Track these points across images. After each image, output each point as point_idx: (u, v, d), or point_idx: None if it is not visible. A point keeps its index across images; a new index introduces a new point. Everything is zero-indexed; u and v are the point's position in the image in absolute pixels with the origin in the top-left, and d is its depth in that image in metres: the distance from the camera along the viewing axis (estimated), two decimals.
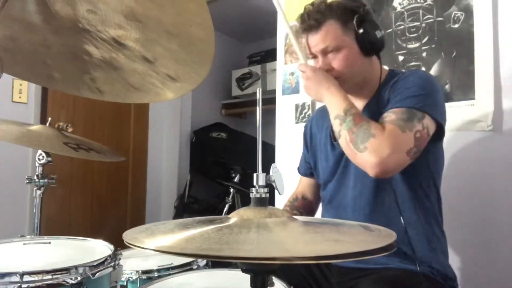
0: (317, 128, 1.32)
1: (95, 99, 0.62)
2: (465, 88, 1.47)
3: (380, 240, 0.54)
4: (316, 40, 1.12)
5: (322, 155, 1.26)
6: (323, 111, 1.31)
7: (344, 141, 1.02)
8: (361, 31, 1.09)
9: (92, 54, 0.56)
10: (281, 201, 1.46)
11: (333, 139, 1.21)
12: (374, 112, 1.10)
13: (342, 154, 1.13)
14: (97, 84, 0.55)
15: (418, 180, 1.09)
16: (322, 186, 1.27)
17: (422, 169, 1.09)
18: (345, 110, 1.04)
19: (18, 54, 0.50)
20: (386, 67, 1.22)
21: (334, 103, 1.07)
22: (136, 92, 0.64)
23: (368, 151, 0.96)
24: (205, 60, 0.64)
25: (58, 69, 0.52)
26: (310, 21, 1.11)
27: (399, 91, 1.06)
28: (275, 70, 2.23)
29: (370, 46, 1.12)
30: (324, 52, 1.12)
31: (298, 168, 1.43)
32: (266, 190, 0.62)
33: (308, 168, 1.36)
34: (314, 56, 1.16)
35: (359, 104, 1.17)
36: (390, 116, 1.01)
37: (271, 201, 0.64)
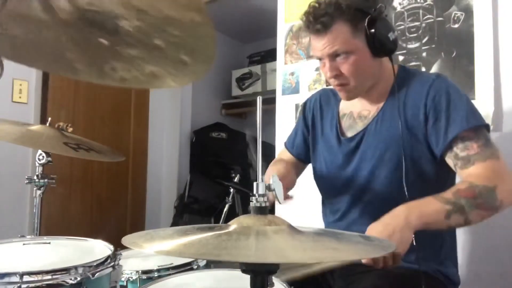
0: (319, 114, 1.27)
1: (117, 86, 0.61)
2: (465, 88, 1.46)
3: (379, 250, 0.54)
4: (323, 44, 1.03)
5: (325, 147, 1.22)
6: (329, 96, 1.28)
7: (479, 218, 0.93)
8: (372, 33, 1.01)
9: (107, 44, 0.56)
10: (281, 209, 1.45)
11: (341, 134, 1.17)
12: (392, 114, 1.07)
13: (351, 152, 1.12)
14: (118, 73, 0.55)
15: (440, 188, 1.06)
16: (323, 176, 1.22)
17: (445, 178, 1.08)
18: (448, 202, 0.91)
19: (37, 48, 0.50)
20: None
21: (431, 213, 0.91)
22: (153, 78, 0.64)
23: (505, 201, 0.92)
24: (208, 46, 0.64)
25: (79, 60, 0.53)
26: (316, 25, 1.02)
27: (443, 114, 1.00)
28: (275, 70, 2.23)
29: (382, 49, 1.04)
30: (332, 56, 1.04)
31: (287, 144, 1.37)
32: (265, 199, 0.61)
33: (303, 151, 1.31)
34: (319, 59, 1.09)
35: (374, 107, 1.13)
36: (468, 150, 0.97)
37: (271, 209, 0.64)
